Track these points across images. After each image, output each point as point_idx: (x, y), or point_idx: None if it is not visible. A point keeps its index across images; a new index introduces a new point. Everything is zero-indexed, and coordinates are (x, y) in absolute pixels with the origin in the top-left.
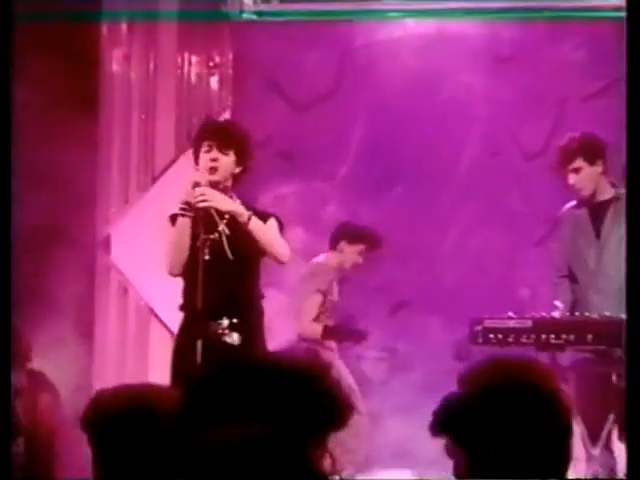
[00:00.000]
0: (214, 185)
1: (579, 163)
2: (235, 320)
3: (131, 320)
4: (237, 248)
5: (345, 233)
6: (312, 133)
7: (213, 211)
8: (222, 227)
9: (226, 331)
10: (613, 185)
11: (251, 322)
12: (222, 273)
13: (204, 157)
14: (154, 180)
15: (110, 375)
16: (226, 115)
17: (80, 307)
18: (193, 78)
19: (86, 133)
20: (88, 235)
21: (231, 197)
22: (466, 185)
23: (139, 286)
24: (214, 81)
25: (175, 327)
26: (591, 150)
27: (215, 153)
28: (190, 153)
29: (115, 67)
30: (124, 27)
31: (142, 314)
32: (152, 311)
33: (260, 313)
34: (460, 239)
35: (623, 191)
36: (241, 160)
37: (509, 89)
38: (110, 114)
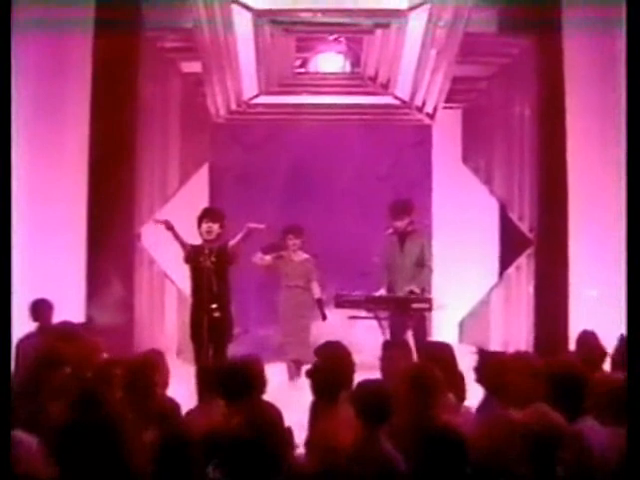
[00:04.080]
0: (211, 239)
1: (406, 217)
2: (217, 305)
3: (154, 280)
4: (219, 268)
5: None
6: (254, 162)
7: (207, 250)
8: (210, 260)
9: (215, 311)
10: (412, 223)
11: (225, 306)
12: (210, 280)
13: (205, 225)
14: (166, 200)
15: (144, 309)
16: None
17: (125, 272)
18: (189, 143)
19: (129, 174)
20: (129, 231)
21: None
22: (346, 195)
23: (159, 260)
24: (199, 140)
25: (178, 283)
26: (405, 209)
27: (210, 223)
28: (183, 188)
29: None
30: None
31: (160, 277)
32: (166, 275)
33: (228, 301)
34: (343, 227)
35: (418, 226)
36: (222, 225)
37: (371, 141)
38: (142, 159)
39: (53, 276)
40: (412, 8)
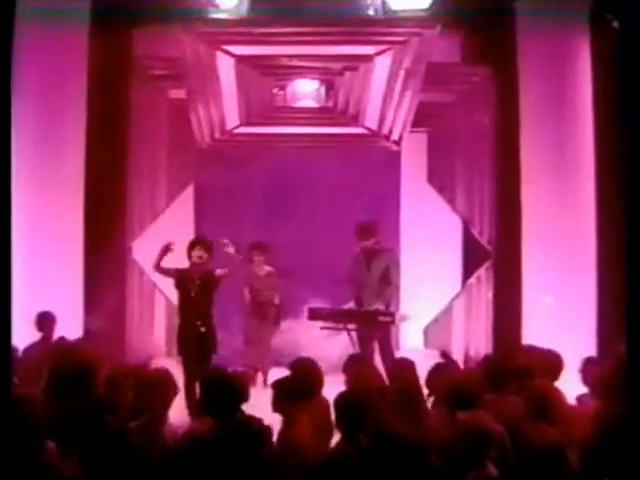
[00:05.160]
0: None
1: (371, 238)
2: (202, 321)
3: (144, 289)
4: (204, 290)
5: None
6: (235, 183)
7: (194, 274)
8: (197, 284)
9: (201, 327)
10: (378, 242)
11: (209, 322)
12: (198, 302)
13: (196, 251)
14: (155, 217)
15: (135, 317)
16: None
17: (118, 282)
18: (175, 165)
19: (121, 194)
20: (122, 245)
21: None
22: (321, 214)
23: (149, 272)
24: (185, 162)
25: (166, 292)
26: (371, 230)
27: (201, 251)
28: (171, 206)
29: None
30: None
31: (150, 287)
32: (156, 285)
33: (212, 317)
34: (318, 242)
35: (385, 245)
36: (210, 254)
37: (343, 165)
38: (133, 179)
39: (53, 287)
40: (378, 53)
